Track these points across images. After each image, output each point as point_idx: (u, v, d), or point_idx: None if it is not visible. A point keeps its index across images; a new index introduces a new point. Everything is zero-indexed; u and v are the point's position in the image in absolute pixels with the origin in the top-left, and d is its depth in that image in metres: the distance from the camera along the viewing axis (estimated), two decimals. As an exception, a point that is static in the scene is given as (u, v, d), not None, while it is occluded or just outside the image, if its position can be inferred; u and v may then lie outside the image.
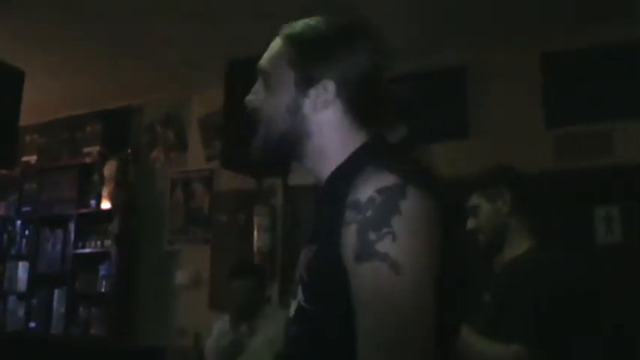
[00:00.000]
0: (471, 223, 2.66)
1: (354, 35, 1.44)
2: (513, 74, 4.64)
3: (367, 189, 1.20)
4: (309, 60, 1.41)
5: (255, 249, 4.93)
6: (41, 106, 5.96)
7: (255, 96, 1.51)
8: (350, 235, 1.19)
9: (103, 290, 5.63)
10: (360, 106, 1.41)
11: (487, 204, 2.62)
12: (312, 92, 1.40)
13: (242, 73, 4.84)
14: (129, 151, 5.91)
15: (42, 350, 5.58)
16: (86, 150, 6.12)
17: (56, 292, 5.88)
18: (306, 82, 1.41)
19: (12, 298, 6.14)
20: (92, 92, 5.83)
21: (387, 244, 1.14)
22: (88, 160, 6.04)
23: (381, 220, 1.16)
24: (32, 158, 6.52)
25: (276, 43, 1.47)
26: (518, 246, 2.57)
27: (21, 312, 6.02)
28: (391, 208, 1.17)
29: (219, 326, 4.07)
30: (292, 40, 1.45)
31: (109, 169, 5.81)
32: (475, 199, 2.66)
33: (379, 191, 1.19)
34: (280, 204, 5.11)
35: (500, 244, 2.60)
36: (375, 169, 1.25)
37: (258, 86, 1.50)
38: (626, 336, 3.89)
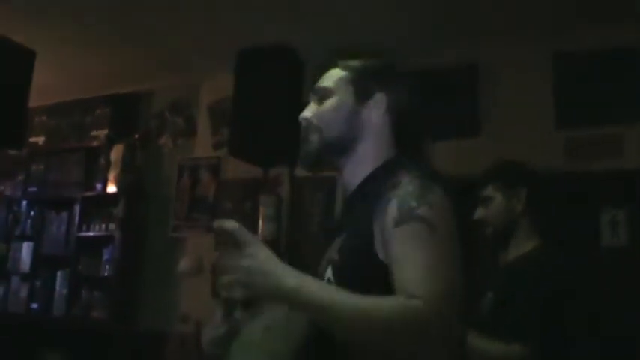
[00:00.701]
0: (480, 213, 2.65)
1: (396, 66, 1.75)
2: (525, 73, 4.62)
3: (405, 177, 1.47)
4: (365, 77, 1.69)
5: (259, 238, 4.92)
6: (51, 87, 5.96)
7: (310, 112, 1.72)
8: (391, 208, 1.42)
9: (106, 274, 5.63)
10: (403, 123, 1.68)
11: (502, 198, 2.63)
12: (369, 103, 1.67)
13: (252, 62, 4.88)
14: (136, 136, 5.91)
15: (44, 331, 5.61)
16: (94, 133, 6.11)
17: (59, 273, 5.88)
18: (364, 93, 1.67)
19: (15, 279, 6.14)
20: (102, 76, 5.84)
21: (426, 210, 1.38)
22: (95, 143, 6.04)
23: (421, 194, 1.41)
24: (40, 139, 6.52)
25: (334, 71, 1.72)
26: (524, 244, 2.57)
27: (24, 293, 6.02)
28: (428, 187, 1.43)
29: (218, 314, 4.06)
30: (349, 64, 1.71)
31: (116, 153, 5.82)
32: (490, 191, 2.66)
33: (416, 177, 1.47)
34: (286, 194, 5.10)
35: (508, 239, 2.61)
36: (406, 172, 1.50)
37: (313, 105, 1.72)
38: (627, 337, 3.89)
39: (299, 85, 5.05)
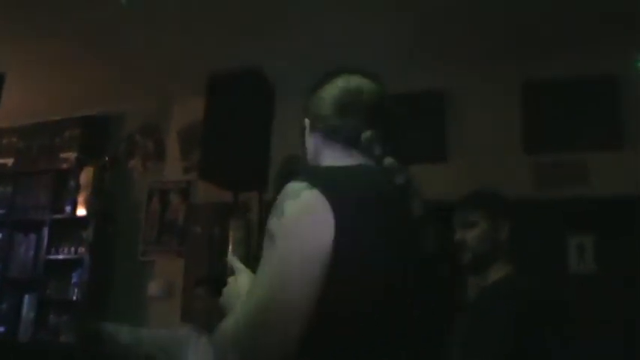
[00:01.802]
0: (461, 236, 2.67)
1: (334, 91, 1.71)
2: (492, 99, 4.70)
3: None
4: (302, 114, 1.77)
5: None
6: (21, 109, 5.93)
7: None
8: None
9: (74, 298, 5.57)
10: (338, 132, 1.67)
11: (487, 225, 2.62)
12: (305, 133, 1.76)
13: (223, 86, 4.90)
14: (106, 158, 5.89)
15: (9, 356, 5.52)
16: (63, 155, 6.06)
17: (27, 297, 5.81)
18: (302, 128, 1.77)
19: (-19, 302, 6.05)
20: (72, 98, 5.81)
21: (273, 221, 1.38)
22: (64, 165, 5.99)
23: (277, 203, 1.40)
24: (9, 161, 6.46)
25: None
26: (501, 271, 2.60)
27: (-11, 316, 5.94)
28: (288, 195, 1.39)
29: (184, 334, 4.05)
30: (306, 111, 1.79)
31: (86, 175, 5.78)
32: (473, 216, 2.66)
33: (285, 189, 1.42)
34: (256, 218, 5.10)
35: (487, 265, 2.62)
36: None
37: None
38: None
39: (269, 110, 5.08)
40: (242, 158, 4.83)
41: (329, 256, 1.32)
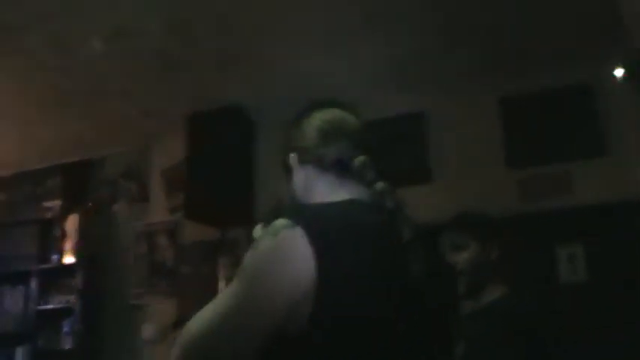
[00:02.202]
0: (452, 259, 2.66)
1: (318, 122, 1.68)
2: (472, 118, 4.72)
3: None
4: (283, 152, 1.72)
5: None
6: (0, 160, 5.92)
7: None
8: None
9: (67, 347, 5.50)
10: (331, 166, 1.62)
11: (476, 245, 2.62)
12: (290, 169, 1.70)
13: (203, 125, 4.91)
14: (90, 204, 5.86)
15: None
16: (47, 204, 6.02)
17: (19, 350, 5.73)
18: (286, 167, 1.72)
19: (-28, 359, 5.98)
20: (51, 146, 5.79)
21: (247, 255, 1.38)
22: (49, 214, 5.96)
23: (257, 241, 1.41)
24: (-9, 213, 6.43)
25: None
26: (494, 291, 2.59)
27: (-18, 373, 5.86)
28: (268, 232, 1.39)
29: None
30: (285, 146, 1.75)
31: (71, 222, 5.75)
32: (463, 239, 2.66)
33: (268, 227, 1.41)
34: (245, 254, 5.08)
35: (482, 286, 2.62)
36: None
37: None
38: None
39: (251, 145, 5.09)
40: (226, 194, 4.83)
41: (303, 294, 1.29)
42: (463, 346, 2.52)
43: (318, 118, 1.69)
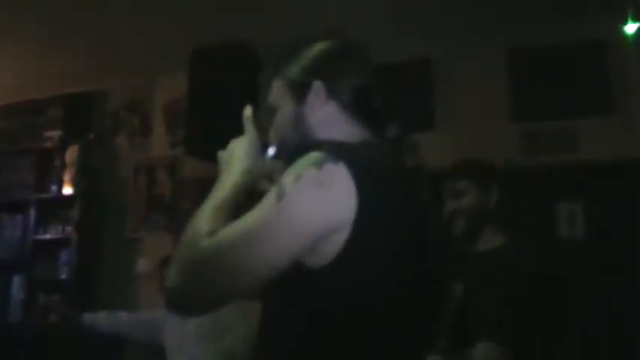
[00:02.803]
0: (452, 205, 2.67)
1: (338, 47, 1.65)
2: (480, 67, 4.68)
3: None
4: (297, 73, 1.60)
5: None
6: (2, 89, 5.87)
7: (271, 132, 1.67)
8: None
9: (63, 277, 5.55)
10: (354, 104, 1.58)
11: (476, 192, 2.64)
12: (309, 98, 1.57)
13: (206, 62, 4.85)
14: (91, 136, 5.84)
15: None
16: (47, 134, 6.00)
17: (15, 278, 5.78)
18: (299, 90, 1.59)
19: (-31, 284, 6.02)
20: (54, 76, 5.73)
21: (289, 179, 1.32)
22: (49, 144, 5.94)
23: (297, 166, 1.35)
24: (-9, 142, 6.40)
25: (275, 84, 1.67)
26: (492, 239, 2.60)
27: (-22, 298, 5.91)
28: (310, 163, 1.34)
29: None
30: (284, 69, 1.64)
31: (71, 154, 5.74)
32: (462, 184, 2.67)
33: (307, 157, 1.37)
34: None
35: (479, 233, 2.64)
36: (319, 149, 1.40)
37: (271, 125, 1.67)
38: (590, 332, 3.96)
39: (255, 82, 5.04)
40: (228, 131, 4.79)
41: (338, 228, 1.30)
42: (461, 289, 2.53)
43: (329, 43, 1.65)
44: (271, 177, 1.60)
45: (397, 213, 1.39)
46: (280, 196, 1.31)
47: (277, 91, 1.65)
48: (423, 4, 4.35)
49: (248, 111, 1.66)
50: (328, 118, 1.57)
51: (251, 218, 1.34)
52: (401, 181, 1.47)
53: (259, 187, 1.60)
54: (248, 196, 1.53)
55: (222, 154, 1.65)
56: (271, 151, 1.65)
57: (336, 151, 1.36)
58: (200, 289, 1.34)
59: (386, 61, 4.61)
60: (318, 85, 1.56)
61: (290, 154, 1.52)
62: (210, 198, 1.51)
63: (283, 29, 4.39)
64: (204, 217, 1.42)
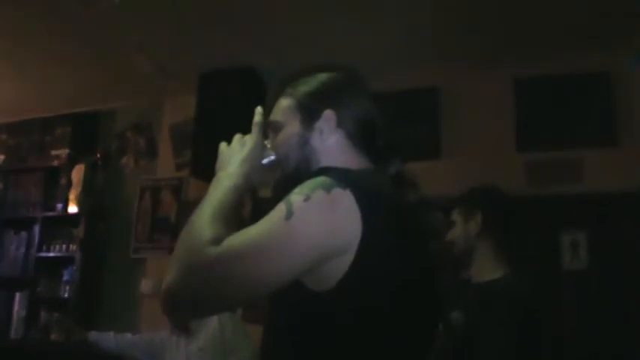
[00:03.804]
0: (448, 236, 2.72)
1: (347, 79, 1.70)
2: (486, 97, 4.69)
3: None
4: (309, 98, 1.64)
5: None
6: (11, 105, 5.91)
7: (272, 149, 1.68)
8: None
9: (65, 295, 5.55)
10: (359, 135, 1.62)
11: (461, 221, 2.71)
12: (317, 125, 1.61)
13: (214, 84, 4.88)
14: (98, 155, 5.87)
15: (1, 355, 5.49)
16: (54, 153, 6.03)
17: (17, 295, 5.78)
18: (310, 116, 1.62)
19: (-28, 301, 6.02)
20: (63, 95, 5.77)
21: (298, 198, 1.34)
22: (55, 163, 5.96)
23: (306, 187, 1.37)
24: (-1, 158, 6.44)
25: (283, 102, 1.68)
26: (494, 270, 2.62)
27: (-19, 315, 5.90)
28: (321, 184, 1.36)
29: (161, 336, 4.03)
30: (294, 91, 1.67)
31: (77, 172, 5.76)
32: (454, 215, 2.75)
33: (315, 180, 1.39)
34: (248, 215, 5.08)
35: (468, 261, 2.68)
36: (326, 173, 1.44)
37: (272, 139, 1.69)
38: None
39: (261, 107, 5.06)
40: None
41: (345, 256, 1.32)
42: (462, 316, 2.54)
43: (338, 74, 1.69)
44: (265, 185, 1.67)
45: (400, 241, 1.41)
46: (289, 214, 1.31)
47: (285, 110, 1.66)
48: (431, 33, 4.38)
49: (258, 116, 1.69)
50: (334, 145, 1.60)
51: (258, 231, 1.34)
52: (404, 211, 1.49)
53: (257, 192, 1.65)
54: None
55: (224, 149, 1.67)
56: (268, 159, 1.67)
57: (344, 177, 1.39)
58: (202, 294, 1.35)
59: (394, 89, 4.70)
60: (329, 114, 1.60)
61: (293, 173, 1.58)
62: (209, 198, 1.52)
63: (292, 55, 4.45)
64: (205, 221, 1.43)
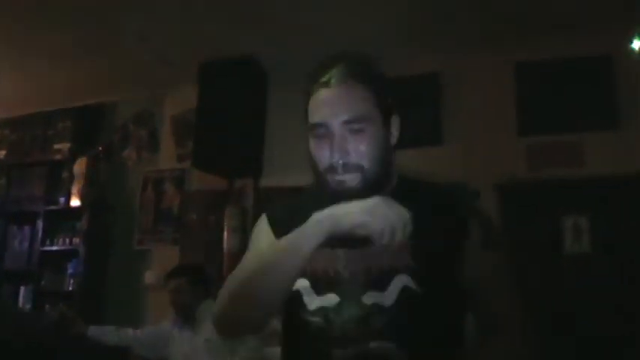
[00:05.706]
0: None
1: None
2: (487, 81, 4.67)
3: None
4: (387, 97, 1.46)
5: (224, 250, 4.90)
6: (13, 100, 5.91)
7: (345, 145, 1.39)
8: None
9: (70, 288, 5.57)
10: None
11: None
12: (392, 127, 1.48)
13: (215, 74, 4.87)
14: (100, 148, 5.87)
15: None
16: (57, 147, 6.03)
17: (22, 289, 5.80)
18: (388, 118, 1.46)
19: (-23, 295, 6.04)
20: (64, 88, 5.77)
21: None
22: (58, 156, 5.97)
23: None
24: (1, 153, 6.42)
25: (358, 90, 1.41)
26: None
27: (-14, 309, 5.92)
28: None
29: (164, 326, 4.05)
30: (373, 81, 1.45)
31: (79, 166, 5.76)
32: None
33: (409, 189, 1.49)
34: (251, 205, 5.08)
35: None
36: None
37: (346, 135, 1.40)
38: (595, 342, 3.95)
39: (263, 96, 5.06)
40: (236, 145, 4.81)
41: None
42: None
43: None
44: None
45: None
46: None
47: (366, 103, 1.41)
48: (432, 18, 4.37)
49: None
50: (390, 145, 1.49)
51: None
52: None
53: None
54: None
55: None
56: (341, 145, 1.39)
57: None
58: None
59: (395, 75, 4.68)
60: (395, 120, 1.49)
61: (374, 183, 1.41)
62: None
63: (292, 44, 4.44)
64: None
